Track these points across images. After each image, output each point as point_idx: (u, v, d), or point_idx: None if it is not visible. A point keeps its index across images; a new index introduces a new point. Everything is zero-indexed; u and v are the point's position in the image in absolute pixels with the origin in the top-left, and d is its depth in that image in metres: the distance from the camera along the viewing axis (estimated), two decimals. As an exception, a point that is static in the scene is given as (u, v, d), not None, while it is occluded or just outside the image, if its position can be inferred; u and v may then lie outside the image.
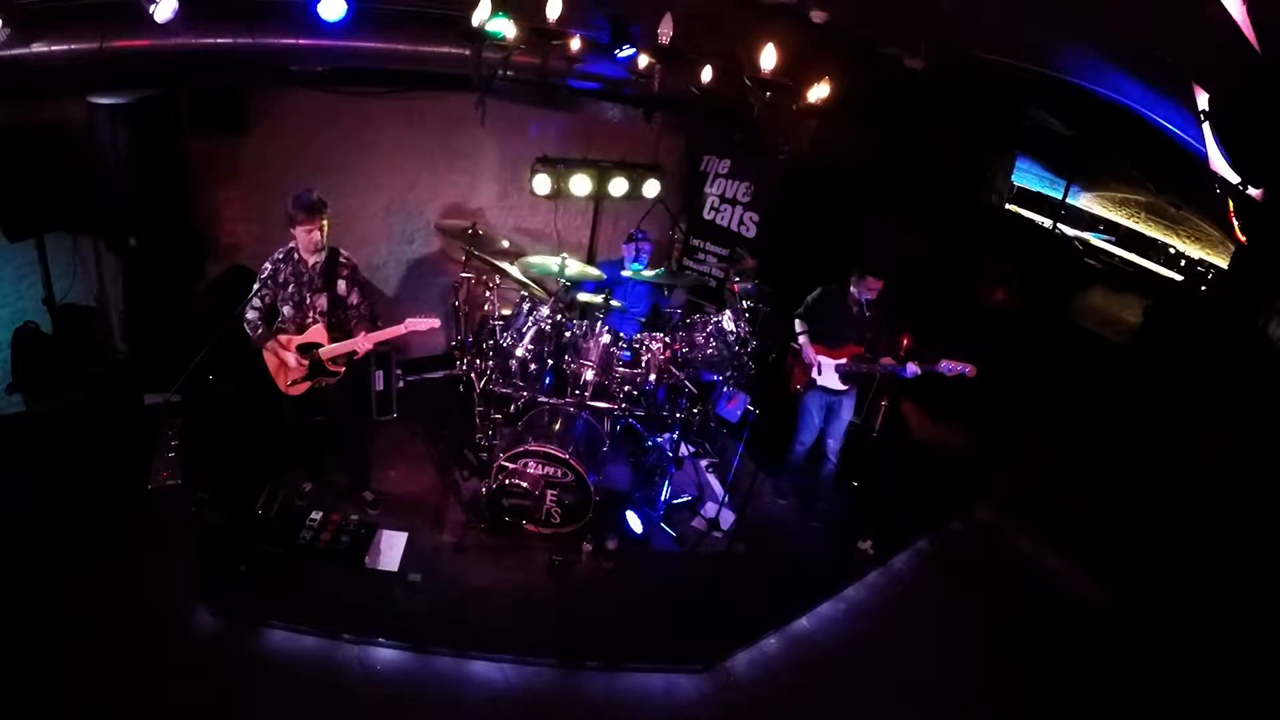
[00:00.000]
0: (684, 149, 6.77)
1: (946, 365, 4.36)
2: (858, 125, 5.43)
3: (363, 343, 3.86)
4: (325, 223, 3.75)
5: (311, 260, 3.85)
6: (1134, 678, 4.13)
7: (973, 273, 6.09)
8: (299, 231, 3.72)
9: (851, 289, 4.56)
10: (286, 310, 3.88)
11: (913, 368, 4.40)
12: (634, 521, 4.57)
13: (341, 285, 3.91)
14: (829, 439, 4.87)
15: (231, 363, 4.28)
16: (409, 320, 3.87)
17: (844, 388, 4.66)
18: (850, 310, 4.60)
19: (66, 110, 3.99)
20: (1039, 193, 6.48)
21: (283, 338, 3.89)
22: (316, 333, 3.89)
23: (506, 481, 4.26)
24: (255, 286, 3.80)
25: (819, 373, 4.64)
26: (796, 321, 4.80)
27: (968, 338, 5.37)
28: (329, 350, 3.90)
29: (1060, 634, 4.43)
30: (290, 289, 3.85)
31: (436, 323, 3.92)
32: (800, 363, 4.74)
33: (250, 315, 3.81)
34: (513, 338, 4.55)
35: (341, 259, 3.92)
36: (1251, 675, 3.91)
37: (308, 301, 3.88)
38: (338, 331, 3.96)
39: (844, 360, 4.58)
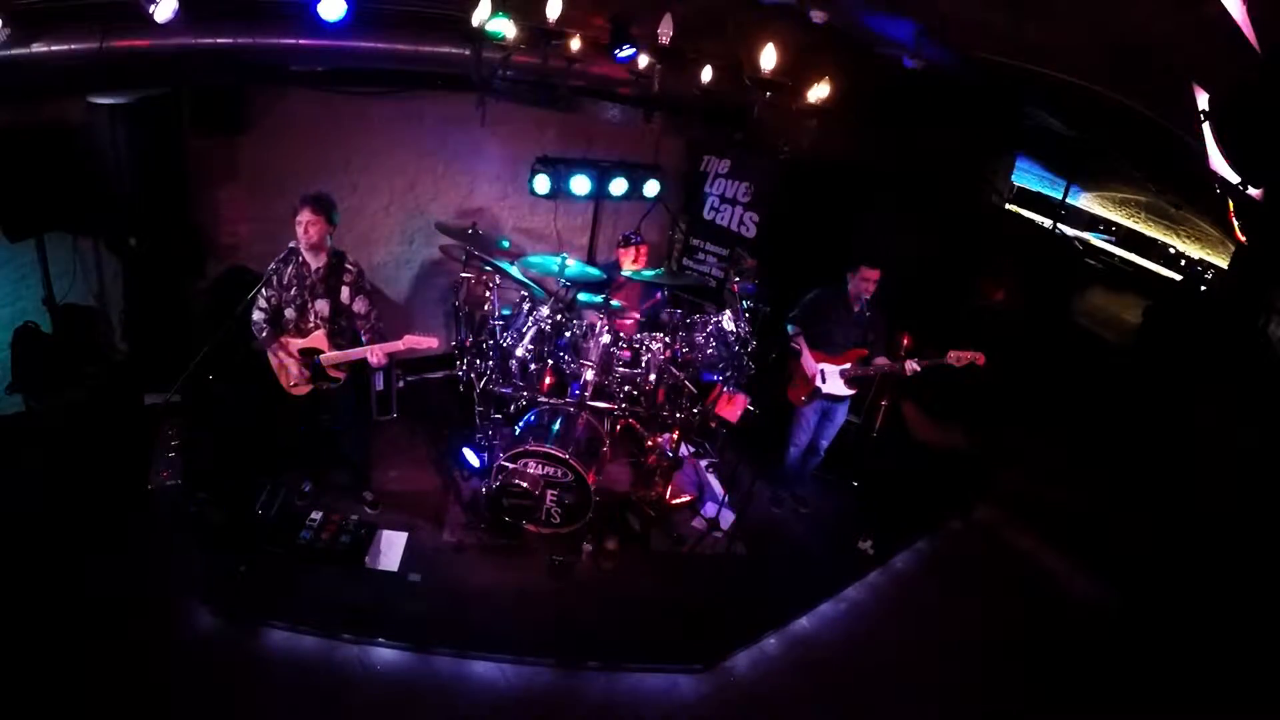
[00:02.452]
0: (684, 149, 6.77)
1: (955, 356, 4.24)
2: (858, 125, 5.42)
3: (370, 356, 3.84)
4: (319, 219, 3.71)
5: (314, 264, 3.83)
6: (1134, 678, 4.13)
7: (973, 273, 6.09)
8: (294, 222, 3.70)
9: (849, 287, 4.50)
10: (289, 313, 3.86)
11: (911, 365, 4.31)
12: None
13: (345, 292, 3.87)
14: (821, 440, 4.87)
15: (231, 363, 4.29)
16: (407, 337, 3.84)
17: (849, 393, 4.58)
18: (851, 311, 4.53)
19: (66, 110, 3.99)
20: (1039, 193, 6.49)
21: (286, 339, 3.89)
22: (317, 339, 3.87)
23: (506, 481, 4.26)
24: (260, 287, 3.78)
25: (823, 381, 4.56)
26: (790, 327, 4.72)
27: (968, 338, 5.37)
28: (330, 358, 3.89)
29: (1060, 634, 4.43)
30: (293, 291, 3.83)
31: (434, 342, 3.92)
32: (801, 373, 4.67)
33: (256, 316, 3.81)
34: (513, 338, 4.55)
35: (347, 265, 3.88)
36: (1251, 675, 3.91)
37: (309, 306, 3.86)
38: (340, 339, 3.94)
39: (849, 365, 4.50)
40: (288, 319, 3.88)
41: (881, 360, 4.47)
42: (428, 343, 3.89)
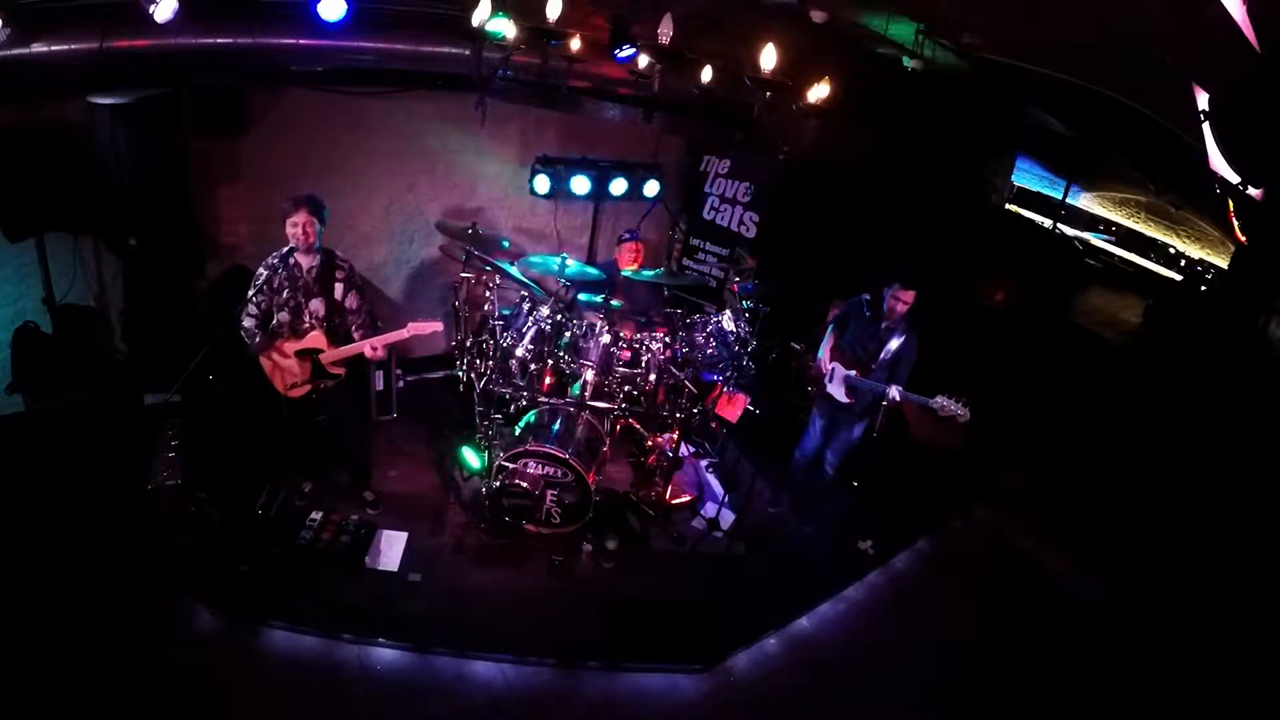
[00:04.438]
0: (684, 149, 6.77)
1: (941, 402, 4.11)
2: (858, 125, 5.43)
3: (367, 348, 3.83)
4: (315, 220, 3.71)
5: (307, 264, 3.82)
6: (1134, 678, 4.13)
7: (973, 273, 6.09)
8: (287, 226, 3.69)
9: (884, 304, 4.40)
10: (282, 316, 3.84)
11: (893, 392, 4.21)
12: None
13: (338, 289, 3.87)
14: (828, 452, 4.79)
15: (231, 363, 4.28)
16: (411, 324, 3.84)
17: (846, 400, 4.55)
18: (876, 323, 4.45)
19: (66, 110, 3.98)
20: (1039, 193, 6.48)
21: (281, 343, 3.88)
22: (315, 339, 3.87)
23: (506, 481, 4.26)
24: (250, 294, 3.76)
25: (829, 380, 4.57)
26: (831, 325, 4.69)
27: (968, 338, 5.37)
28: (331, 355, 3.88)
29: (1060, 634, 4.43)
30: (285, 294, 3.81)
31: (439, 326, 3.90)
32: (817, 365, 4.68)
33: (247, 324, 3.79)
34: (513, 338, 4.55)
35: (338, 261, 3.89)
36: (1251, 675, 3.91)
37: (304, 307, 3.84)
38: (335, 337, 3.93)
39: (852, 372, 4.47)
40: (280, 322, 3.85)
41: (879, 385, 4.34)
42: (433, 327, 3.87)
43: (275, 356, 3.90)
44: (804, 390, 4.78)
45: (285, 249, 3.74)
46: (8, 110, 3.86)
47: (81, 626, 3.44)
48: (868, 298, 4.55)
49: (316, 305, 3.86)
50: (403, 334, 3.85)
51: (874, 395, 4.41)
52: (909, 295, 4.32)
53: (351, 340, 3.92)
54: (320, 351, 3.87)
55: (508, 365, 4.56)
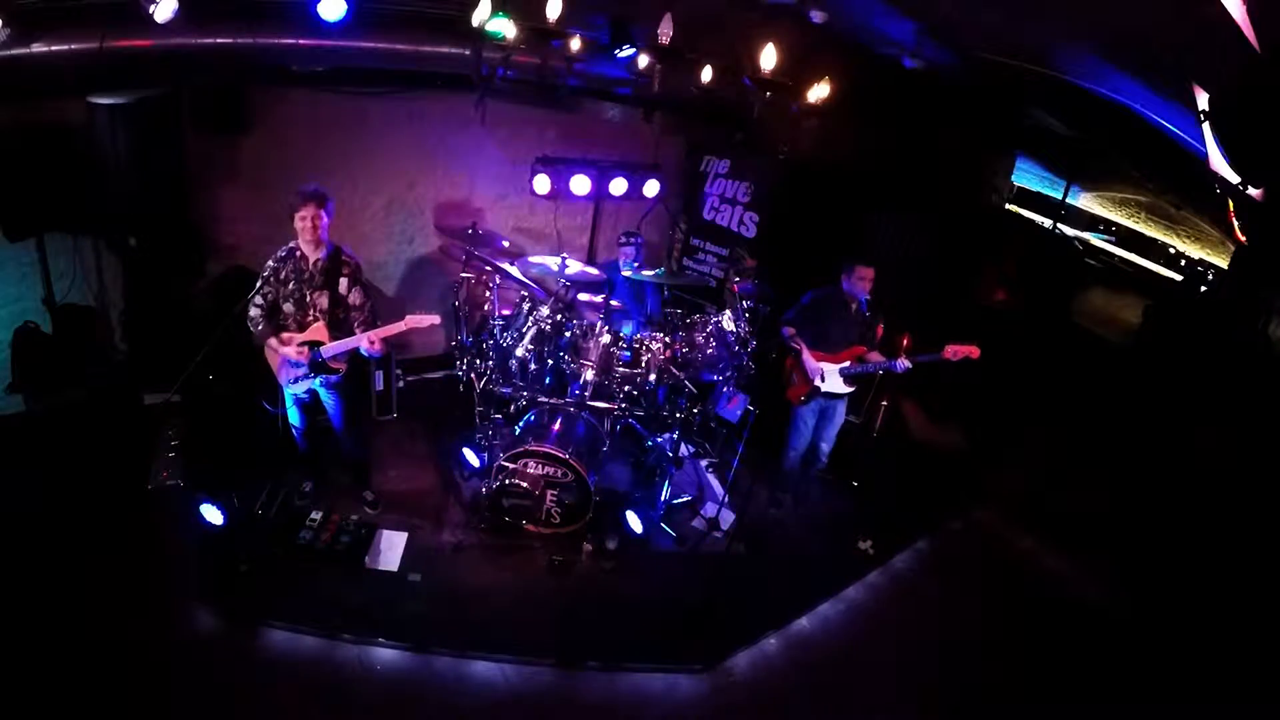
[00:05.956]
0: (684, 149, 6.77)
1: (951, 350, 4.25)
2: (857, 125, 5.43)
3: (365, 341, 3.84)
4: (322, 214, 3.73)
5: (313, 257, 3.84)
6: (1134, 678, 4.13)
7: (973, 273, 6.09)
8: (295, 220, 3.72)
9: (845, 286, 4.54)
10: (288, 308, 3.88)
11: (903, 362, 4.32)
12: (634, 521, 4.57)
13: (343, 284, 3.89)
14: (822, 443, 4.84)
15: (231, 363, 4.28)
16: (409, 317, 3.85)
17: (848, 390, 4.62)
18: (849, 309, 4.56)
19: (66, 110, 3.99)
20: (1039, 193, 6.48)
21: (284, 335, 3.89)
22: (317, 331, 3.88)
23: (506, 481, 4.26)
24: (258, 284, 3.79)
25: (822, 380, 4.58)
26: (784, 330, 4.72)
27: (967, 338, 5.37)
28: (330, 348, 3.89)
29: (1060, 634, 4.42)
30: (291, 286, 3.85)
31: (437, 319, 3.91)
32: (801, 373, 4.67)
33: (253, 312, 3.82)
34: (513, 338, 4.55)
35: (345, 258, 3.91)
36: (1251, 675, 3.91)
37: (309, 299, 3.87)
38: (338, 331, 3.94)
39: (848, 363, 4.54)
40: (286, 314, 3.88)
41: (877, 356, 4.51)
42: (430, 320, 3.88)
43: (279, 350, 3.91)
44: (792, 403, 4.78)
45: (294, 241, 3.78)
46: (8, 110, 3.86)
47: (81, 626, 3.44)
48: (824, 290, 4.66)
49: (321, 298, 3.88)
50: (400, 326, 3.85)
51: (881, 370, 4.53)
52: (870, 271, 4.46)
53: (352, 335, 3.93)
54: (321, 344, 3.88)
55: (508, 365, 4.56)
